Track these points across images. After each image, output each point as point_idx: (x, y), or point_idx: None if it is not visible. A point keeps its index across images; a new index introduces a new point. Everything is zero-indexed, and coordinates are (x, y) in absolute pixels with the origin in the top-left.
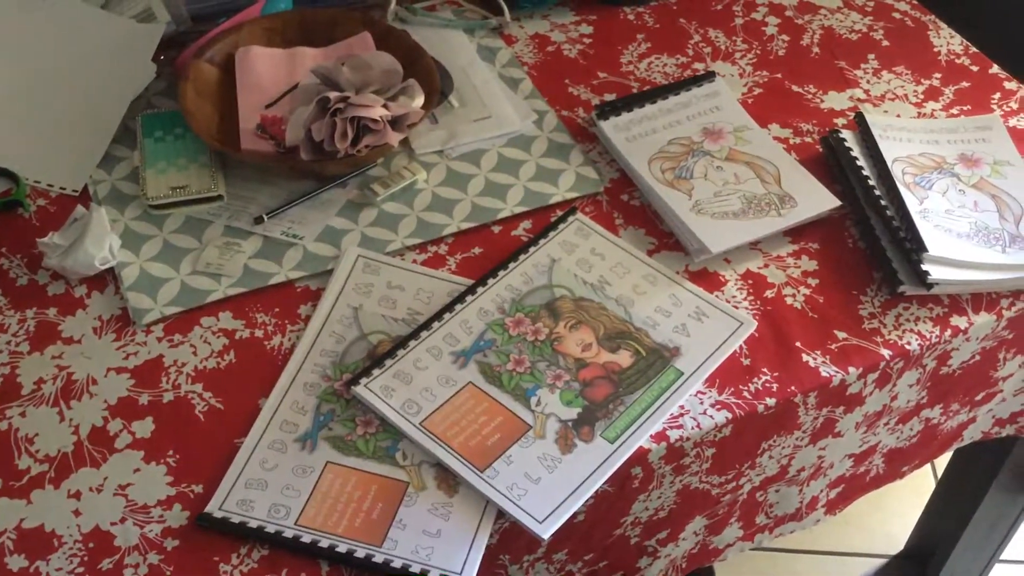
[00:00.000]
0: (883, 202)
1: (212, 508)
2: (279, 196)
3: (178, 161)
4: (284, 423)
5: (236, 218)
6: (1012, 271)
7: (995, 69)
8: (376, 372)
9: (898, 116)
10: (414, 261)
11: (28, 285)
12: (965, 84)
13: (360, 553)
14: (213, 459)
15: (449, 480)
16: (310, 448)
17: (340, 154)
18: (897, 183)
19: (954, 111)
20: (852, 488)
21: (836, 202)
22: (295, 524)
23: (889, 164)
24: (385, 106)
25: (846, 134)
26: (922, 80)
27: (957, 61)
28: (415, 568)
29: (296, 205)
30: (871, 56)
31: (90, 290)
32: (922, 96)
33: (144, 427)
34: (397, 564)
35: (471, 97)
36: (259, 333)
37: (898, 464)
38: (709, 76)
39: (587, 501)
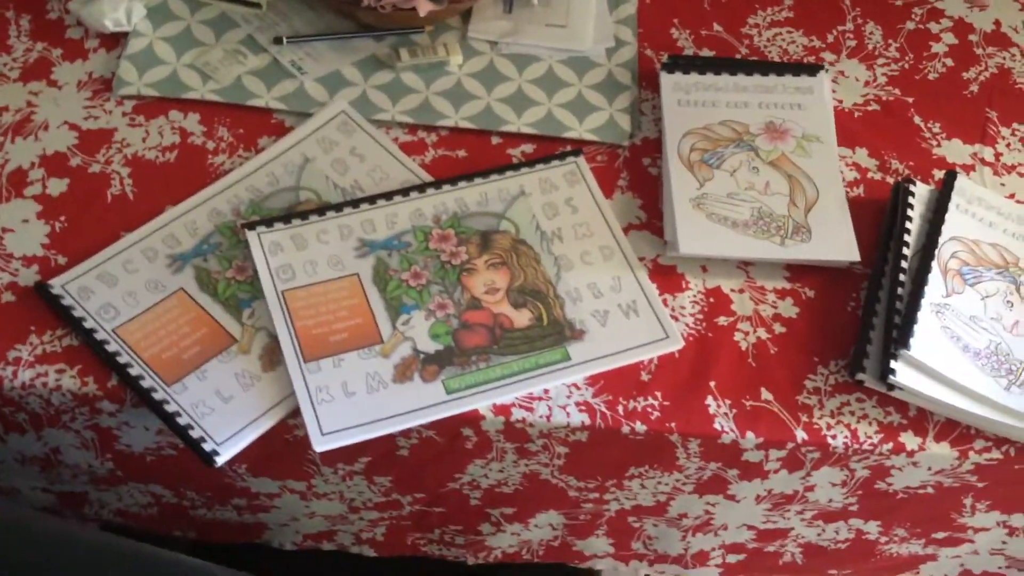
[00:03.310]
0: (902, 277)
1: (55, 283)
2: (315, 26)
3: None
4: (169, 236)
5: (262, 31)
6: (1006, 415)
7: None
8: (278, 226)
9: (1012, 196)
10: (395, 139)
11: (55, 21)
12: None
13: (147, 383)
14: (92, 240)
15: (273, 356)
16: (176, 269)
17: (365, 2)
18: (934, 264)
19: None
20: (758, 564)
21: (854, 256)
22: (113, 330)
23: (941, 241)
24: None
25: (920, 189)
26: None
27: None
28: (183, 420)
29: (320, 40)
30: None
31: (100, 46)
32: None
33: (58, 186)
34: (171, 408)
35: (560, 0)
36: (211, 145)
37: (822, 564)
38: (813, 68)
39: (410, 440)
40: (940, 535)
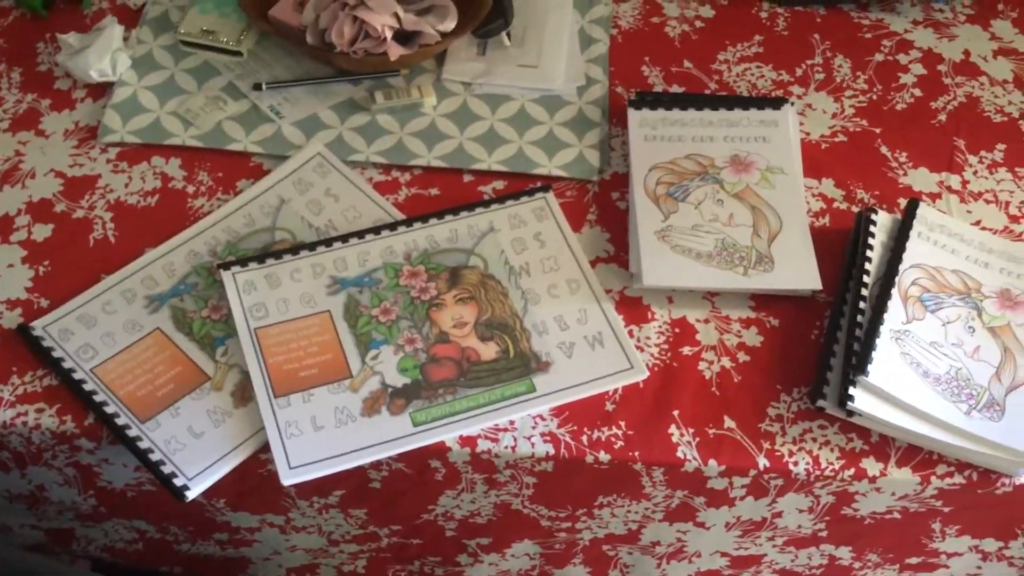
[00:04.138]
0: (863, 305)
1: (37, 325)
2: (294, 73)
3: (225, 8)
4: (148, 278)
5: (243, 78)
6: (966, 439)
7: None
8: (252, 266)
9: (979, 223)
10: (369, 179)
11: (45, 73)
12: None
13: (121, 420)
14: (74, 283)
15: (245, 392)
16: (153, 309)
17: (337, 49)
18: (895, 291)
19: None
20: None
21: (816, 285)
22: (91, 370)
23: (902, 268)
24: (399, 17)
25: (882, 218)
26: None
27: None
28: (155, 456)
29: (298, 85)
30: (1000, 147)
31: (87, 96)
32: None
33: (42, 232)
34: (144, 445)
35: (532, 41)
36: (191, 189)
37: None
38: (778, 102)
39: (381, 473)
40: (914, 560)
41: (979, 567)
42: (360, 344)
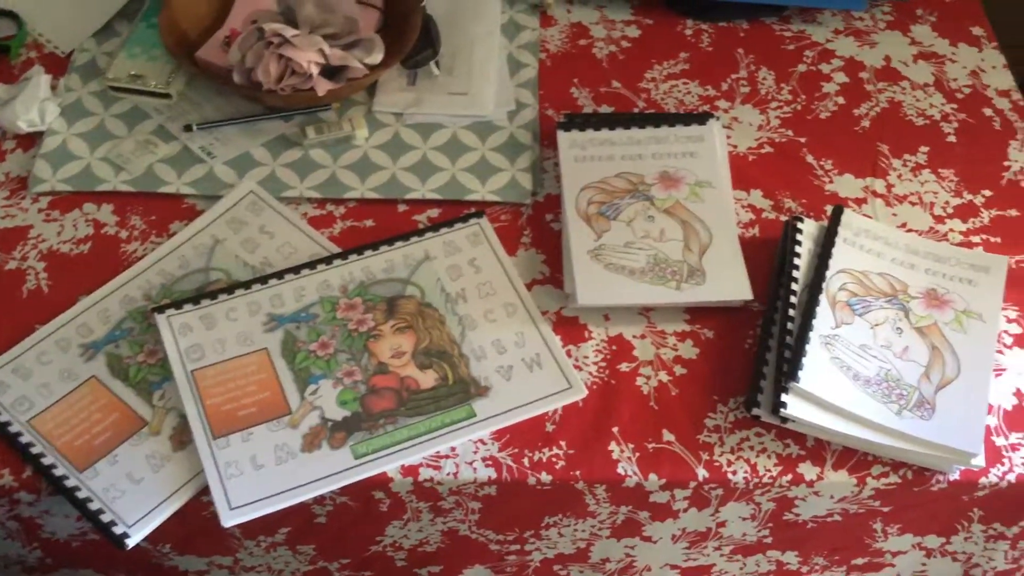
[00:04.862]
0: (792, 312)
1: None
2: (225, 112)
3: (153, 51)
4: (82, 326)
5: (173, 120)
6: (898, 439)
7: None
8: (187, 308)
9: (905, 226)
10: (304, 214)
11: None
12: (1014, 213)
13: (59, 471)
14: (8, 336)
15: (183, 436)
16: (89, 357)
17: (265, 87)
18: (822, 297)
19: (975, 239)
20: None
21: (747, 295)
22: (27, 422)
23: (829, 274)
24: (324, 53)
25: (808, 226)
26: (964, 194)
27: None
28: (94, 505)
29: (229, 124)
30: (923, 149)
31: (17, 147)
32: (951, 211)
33: None
34: (82, 494)
35: (461, 69)
36: (124, 234)
37: None
38: (703, 117)
39: (326, 507)
40: (860, 561)
41: (924, 564)
42: (299, 380)
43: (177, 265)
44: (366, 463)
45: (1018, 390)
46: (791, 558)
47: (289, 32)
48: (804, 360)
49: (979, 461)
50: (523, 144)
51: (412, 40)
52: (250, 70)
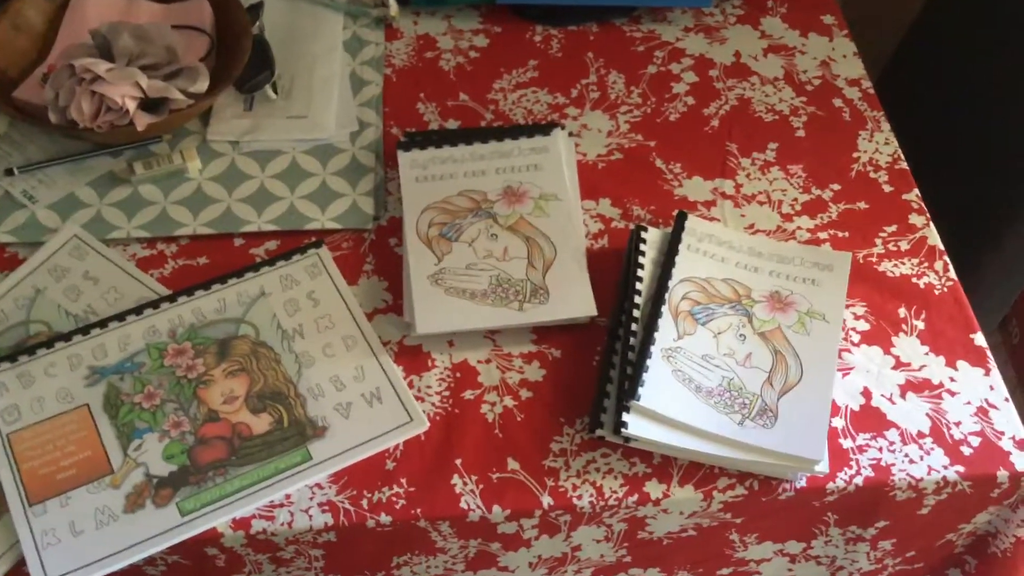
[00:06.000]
0: (634, 326)
1: None
2: (49, 152)
3: None
4: None
5: None
6: (741, 450)
7: (912, 195)
8: (3, 366)
9: (753, 226)
10: (132, 256)
11: None
12: (862, 205)
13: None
14: None
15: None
16: None
17: (80, 126)
18: (665, 308)
19: (823, 235)
20: None
21: (591, 311)
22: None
23: (672, 284)
24: (141, 85)
25: (652, 234)
26: (813, 189)
27: (872, 175)
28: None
29: (54, 165)
30: (772, 146)
31: None
32: (800, 208)
33: None
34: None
35: (300, 91)
36: None
37: None
38: (548, 127)
39: (158, 568)
40: (725, 571)
41: (791, 568)
42: (122, 436)
43: None
44: (193, 520)
45: (866, 389)
46: (654, 575)
47: (102, 67)
48: (645, 376)
49: (823, 467)
50: (366, 166)
51: (242, 64)
52: (65, 108)
